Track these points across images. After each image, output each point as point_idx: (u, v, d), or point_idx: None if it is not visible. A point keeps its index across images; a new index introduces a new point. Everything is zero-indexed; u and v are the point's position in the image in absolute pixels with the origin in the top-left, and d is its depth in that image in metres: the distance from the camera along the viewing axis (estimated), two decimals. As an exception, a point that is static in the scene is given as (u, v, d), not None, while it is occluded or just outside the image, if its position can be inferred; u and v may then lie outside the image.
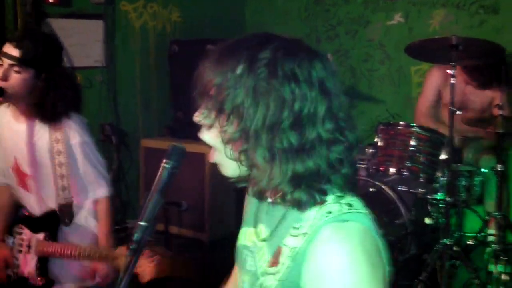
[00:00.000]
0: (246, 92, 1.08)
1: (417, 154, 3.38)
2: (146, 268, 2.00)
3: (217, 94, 1.11)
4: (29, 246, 2.39)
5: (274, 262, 1.17)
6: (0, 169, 2.49)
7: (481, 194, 3.49)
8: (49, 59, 2.23)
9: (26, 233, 2.41)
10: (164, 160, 1.21)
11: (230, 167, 1.16)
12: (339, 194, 1.14)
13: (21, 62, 2.15)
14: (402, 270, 3.44)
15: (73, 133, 2.35)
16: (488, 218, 3.46)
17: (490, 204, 3.45)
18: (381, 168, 3.48)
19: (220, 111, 1.11)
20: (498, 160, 3.25)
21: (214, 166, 1.19)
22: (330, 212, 1.10)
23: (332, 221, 1.09)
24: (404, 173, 3.40)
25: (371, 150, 3.56)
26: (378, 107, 5.17)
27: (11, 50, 2.17)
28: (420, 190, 3.49)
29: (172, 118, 5.03)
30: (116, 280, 1.14)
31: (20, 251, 2.42)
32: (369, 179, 3.63)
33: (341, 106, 1.13)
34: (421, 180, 3.39)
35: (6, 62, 2.16)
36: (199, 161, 4.42)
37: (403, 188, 3.60)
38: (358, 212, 1.11)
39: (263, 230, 1.25)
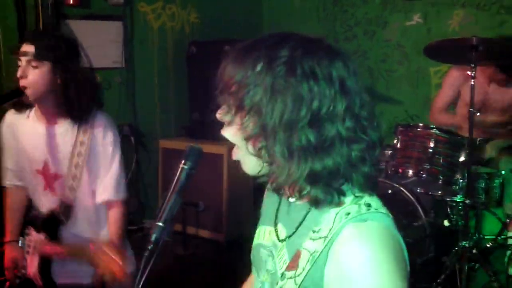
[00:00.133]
0: (264, 89, 1.09)
1: (436, 156, 3.35)
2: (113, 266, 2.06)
3: (237, 91, 1.12)
4: (34, 247, 2.41)
5: (293, 265, 1.16)
6: (15, 172, 2.52)
7: (500, 196, 3.45)
8: (64, 53, 2.25)
9: (32, 234, 2.43)
10: (182, 161, 1.22)
11: (251, 164, 1.16)
12: (358, 194, 1.14)
13: (36, 56, 2.19)
14: (420, 272, 3.42)
15: (106, 132, 2.34)
16: (507, 220, 3.43)
17: (510, 207, 3.42)
18: (399, 170, 3.46)
19: (240, 107, 1.12)
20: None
21: (231, 167, 1.20)
22: (348, 213, 1.10)
23: (351, 221, 1.08)
24: (423, 175, 3.38)
25: (389, 151, 3.54)
26: (396, 108, 5.14)
27: (27, 47, 2.21)
28: (439, 192, 3.47)
29: (189, 118, 5.03)
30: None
31: (27, 252, 2.44)
32: (387, 181, 3.60)
33: (363, 105, 1.13)
34: (440, 182, 3.37)
35: (24, 60, 2.20)
36: (217, 161, 4.40)
37: (422, 190, 3.56)
38: (377, 211, 1.11)
39: (283, 230, 1.25)
